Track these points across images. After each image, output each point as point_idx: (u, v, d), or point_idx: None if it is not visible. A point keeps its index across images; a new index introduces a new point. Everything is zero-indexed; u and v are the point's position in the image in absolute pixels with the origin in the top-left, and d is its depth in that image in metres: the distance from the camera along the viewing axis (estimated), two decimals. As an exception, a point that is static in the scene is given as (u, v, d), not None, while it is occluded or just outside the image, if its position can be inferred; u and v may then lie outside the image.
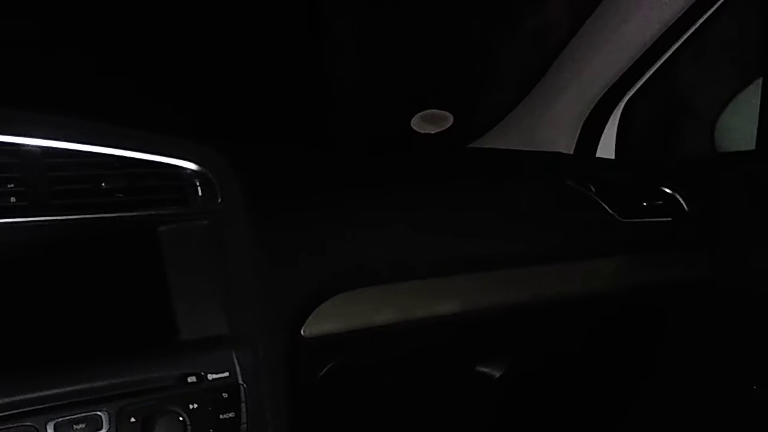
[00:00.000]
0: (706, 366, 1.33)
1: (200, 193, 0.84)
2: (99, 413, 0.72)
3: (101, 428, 0.72)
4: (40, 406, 0.70)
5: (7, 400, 0.69)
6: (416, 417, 1.29)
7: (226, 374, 0.79)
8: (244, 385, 0.79)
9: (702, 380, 1.34)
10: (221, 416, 0.77)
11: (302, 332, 0.92)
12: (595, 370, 1.36)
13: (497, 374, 1.27)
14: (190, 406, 0.76)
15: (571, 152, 1.46)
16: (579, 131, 1.45)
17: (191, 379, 0.77)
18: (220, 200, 0.84)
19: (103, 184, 0.79)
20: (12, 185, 0.75)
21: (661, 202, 1.26)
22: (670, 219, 1.25)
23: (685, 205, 1.27)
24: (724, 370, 1.31)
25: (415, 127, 1.57)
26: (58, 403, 0.71)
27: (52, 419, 0.70)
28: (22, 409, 0.70)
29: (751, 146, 1.36)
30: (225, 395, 0.78)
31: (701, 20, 1.33)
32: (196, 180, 0.84)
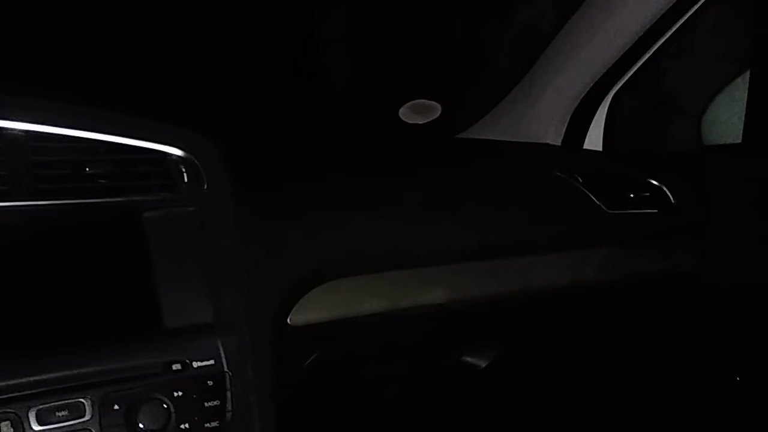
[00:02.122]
0: (690, 357, 1.34)
1: (186, 179, 0.83)
2: (82, 400, 0.71)
3: (84, 415, 0.71)
4: (21, 393, 0.69)
5: (-12, 386, 0.68)
6: (402, 407, 1.29)
7: (212, 362, 0.78)
8: (230, 373, 0.79)
9: (687, 371, 1.35)
10: (206, 404, 0.77)
11: (288, 321, 0.91)
12: (581, 360, 1.36)
13: (483, 364, 1.27)
14: (175, 394, 0.75)
15: (559, 144, 1.46)
16: (567, 123, 1.45)
17: (176, 366, 0.76)
18: (206, 186, 0.84)
19: (88, 169, 0.78)
20: None
21: (647, 194, 1.27)
22: (656, 211, 1.26)
23: (671, 197, 1.27)
24: (708, 361, 1.32)
25: (403, 118, 1.57)
26: (41, 389, 0.70)
27: (34, 406, 0.69)
28: (3, 396, 0.69)
29: (738, 139, 1.37)
30: (210, 383, 0.77)
31: (688, 13, 1.33)
32: (182, 166, 0.83)
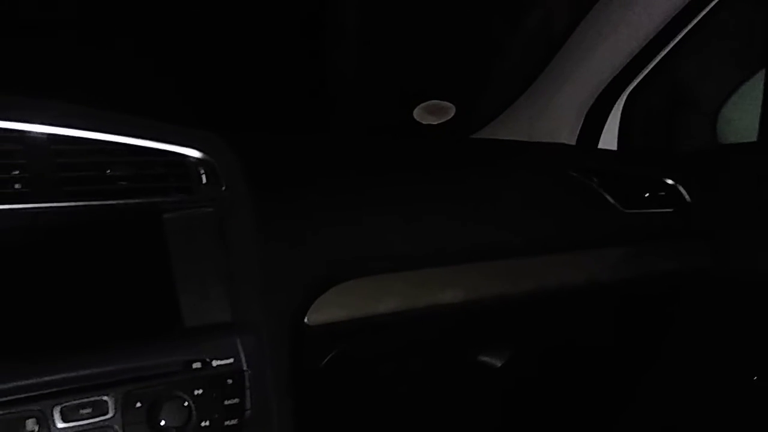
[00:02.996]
0: (707, 356, 1.34)
1: (204, 180, 0.84)
2: (105, 398, 0.72)
3: (107, 413, 0.72)
4: (46, 391, 0.71)
5: (13, 384, 0.70)
6: (418, 406, 1.29)
7: (231, 360, 0.79)
8: (249, 372, 0.80)
9: (703, 371, 1.34)
10: (226, 402, 0.78)
11: (305, 320, 0.92)
12: (596, 360, 1.36)
13: (499, 364, 1.27)
14: (196, 392, 0.76)
15: (574, 143, 1.46)
16: (581, 123, 1.45)
17: (196, 365, 0.77)
18: (224, 188, 0.85)
19: (109, 171, 0.79)
20: (17, 172, 0.75)
21: (663, 193, 1.27)
22: (672, 210, 1.26)
23: (687, 196, 1.27)
24: (724, 360, 1.32)
25: (417, 118, 1.58)
26: (65, 387, 0.71)
27: (58, 404, 0.70)
28: (28, 394, 0.70)
29: (753, 138, 1.37)
30: (230, 381, 0.78)
31: (704, 11, 1.33)
32: (201, 168, 0.84)
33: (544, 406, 1.41)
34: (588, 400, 1.40)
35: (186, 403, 0.75)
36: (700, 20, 1.34)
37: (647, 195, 1.26)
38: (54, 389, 0.71)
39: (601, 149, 1.46)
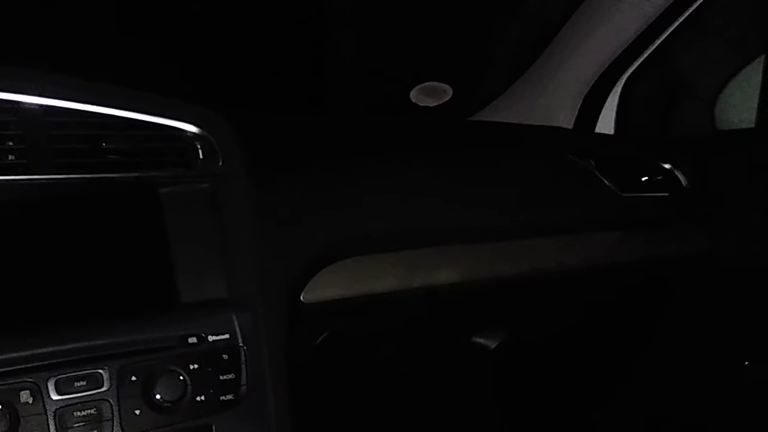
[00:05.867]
0: (700, 340, 1.34)
1: (201, 155, 0.84)
2: (100, 371, 0.72)
3: (102, 386, 0.72)
4: (41, 363, 0.70)
5: (8, 356, 0.69)
6: (411, 386, 1.30)
7: (227, 336, 0.79)
8: (244, 347, 0.80)
9: (696, 354, 1.35)
10: (221, 377, 0.78)
11: (301, 298, 0.92)
12: (591, 342, 1.37)
13: (493, 345, 1.27)
14: (191, 367, 0.76)
15: (571, 128, 1.46)
16: (579, 107, 1.45)
17: (192, 340, 0.77)
18: (221, 163, 0.84)
19: (104, 145, 0.79)
20: (11, 143, 0.74)
21: (660, 178, 1.27)
22: (668, 194, 1.26)
23: (683, 181, 1.27)
24: (717, 344, 1.32)
25: (414, 100, 1.57)
26: (60, 360, 0.71)
27: (53, 376, 0.70)
28: (23, 366, 0.70)
29: (751, 124, 1.37)
30: (225, 356, 0.78)
31: (702, -3, 1.32)
32: (198, 143, 0.84)
33: (537, 389, 1.41)
34: (582, 382, 1.41)
35: (181, 378, 0.75)
36: (699, 5, 1.34)
37: (644, 179, 1.26)
38: (49, 361, 0.71)
39: (598, 133, 1.46)
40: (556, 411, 1.44)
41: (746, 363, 1.30)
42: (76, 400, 0.71)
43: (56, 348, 0.71)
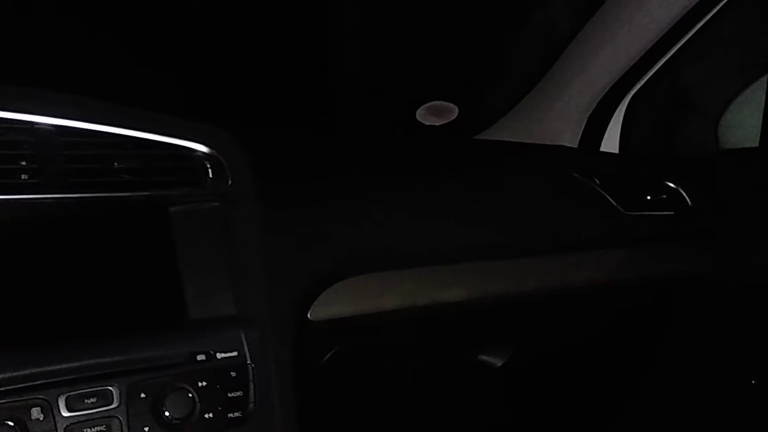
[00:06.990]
0: (706, 359, 1.34)
1: (211, 175, 0.85)
2: (110, 388, 0.73)
3: (112, 403, 0.73)
4: (52, 380, 0.71)
5: (20, 373, 0.70)
6: (417, 404, 1.30)
7: (235, 353, 0.80)
8: (252, 365, 0.80)
9: (702, 373, 1.35)
10: (229, 394, 0.78)
11: (309, 316, 0.92)
12: (596, 361, 1.37)
13: (498, 363, 1.27)
14: (200, 384, 0.76)
15: (576, 147, 1.47)
16: (584, 126, 1.46)
17: (200, 357, 0.78)
18: (230, 182, 0.85)
19: (116, 164, 0.80)
20: (24, 162, 0.75)
21: (664, 196, 1.27)
22: (673, 213, 1.26)
23: (688, 200, 1.27)
24: (723, 363, 1.32)
25: (420, 119, 1.58)
26: (70, 377, 0.72)
27: (63, 393, 0.71)
28: (34, 383, 0.70)
29: (755, 143, 1.37)
30: (233, 374, 0.79)
31: (707, 17, 1.33)
32: (207, 162, 0.85)
33: (543, 406, 1.41)
34: (586, 401, 1.40)
35: (190, 395, 0.76)
36: (703, 25, 1.35)
37: (649, 198, 1.26)
38: (59, 378, 0.71)
39: (603, 152, 1.47)
40: (561, 429, 1.44)
41: (753, 382, 1.30)
42: (86, 417, 0.71)
43: (67, 365, 0.72)
